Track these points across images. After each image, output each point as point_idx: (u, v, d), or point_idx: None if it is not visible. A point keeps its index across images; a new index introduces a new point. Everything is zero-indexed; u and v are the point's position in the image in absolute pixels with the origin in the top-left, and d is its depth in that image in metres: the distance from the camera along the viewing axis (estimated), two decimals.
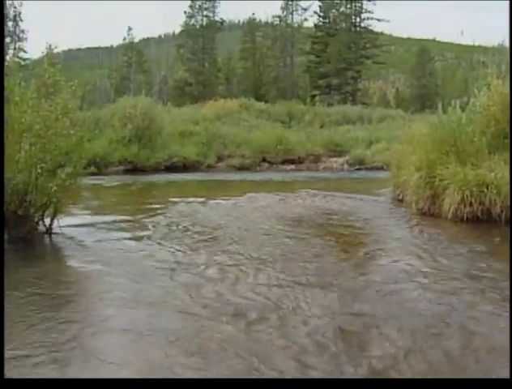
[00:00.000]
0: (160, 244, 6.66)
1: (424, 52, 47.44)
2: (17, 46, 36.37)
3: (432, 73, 46.58)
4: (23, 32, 36.11)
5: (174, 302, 4.46)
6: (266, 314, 4.14)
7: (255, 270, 5.38)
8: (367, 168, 19.73)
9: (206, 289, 4.78)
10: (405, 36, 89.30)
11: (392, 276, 5.12)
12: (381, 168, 17.08)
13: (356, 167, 20.37)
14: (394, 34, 75.85)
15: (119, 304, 4.46)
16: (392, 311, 4.19)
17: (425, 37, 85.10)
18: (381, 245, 6.65)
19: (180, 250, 6.30)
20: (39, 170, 6.33)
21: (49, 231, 7.03)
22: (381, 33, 44.11)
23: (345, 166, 21.04)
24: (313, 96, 39.65)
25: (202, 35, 42.03)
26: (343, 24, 41.53)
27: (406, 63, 57.14)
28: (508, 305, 4.16)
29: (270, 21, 46.44)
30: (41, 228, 6.99)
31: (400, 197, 9.97)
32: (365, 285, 4.87)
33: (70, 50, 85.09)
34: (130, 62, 43.62)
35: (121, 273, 5.29)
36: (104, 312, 4.33)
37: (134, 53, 43.93)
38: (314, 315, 4.12)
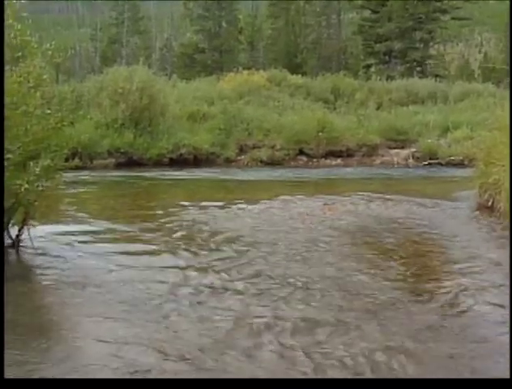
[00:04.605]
0: (164, 263, 6.65)
1: None
2: None
3: None
4: None
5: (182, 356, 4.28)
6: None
7: (298, 301, 5.34)
8: (441, 164, 19.46)
9: (229, 337, 4.65)
10: None
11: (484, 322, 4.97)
12: (460, 164, 16.87)
13: (426, 162, 20.11)
14: None
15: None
16: None
17: None
18: (469, 273, 6.42)
19: (190, 271, 6.29)
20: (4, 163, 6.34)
21: (16, 243, 7.05)
22: None
23: (410, 161, 20.80)
24: (368, 67, 39.42)
25: None
26: None
27: (500, 17, 55.27)
28: None
29: None
30: (6, 239, 7.02)
31: (489, 203, 9.79)
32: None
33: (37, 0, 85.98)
34: (121, 20, 43.99)
35: (109, 307, 5.26)
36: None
37: (126, 6, 44.21)
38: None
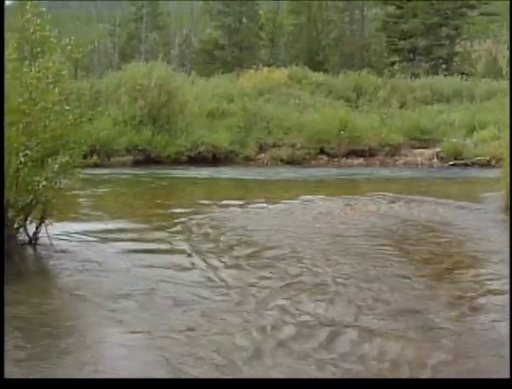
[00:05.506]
0: (184, 263, 6.66)
1: None
2: None
3: None
4: None
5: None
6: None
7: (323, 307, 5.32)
8: (466, 165, 19.31)
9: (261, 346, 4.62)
10: None
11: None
12: (487, 165, 16.78)
13: (451, 162, 19.97)
14: None
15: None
16: None
17: None
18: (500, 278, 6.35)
19: (211, 271, 6.29)
20: (21, 159, 6.36)
21: (33, 241, 7.09)
22: None
23: (434, 161, 20.68)
24: (392, 64, 39.17)
25: None
26: None
27: None
28: None
29: None
30: (23, 236, 7.06)
31: None
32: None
33: None
34: (139, 15, 44.15)
35: (127, 309, 5.25)
36: None
37: (145, 2, 44.35)
38: None
